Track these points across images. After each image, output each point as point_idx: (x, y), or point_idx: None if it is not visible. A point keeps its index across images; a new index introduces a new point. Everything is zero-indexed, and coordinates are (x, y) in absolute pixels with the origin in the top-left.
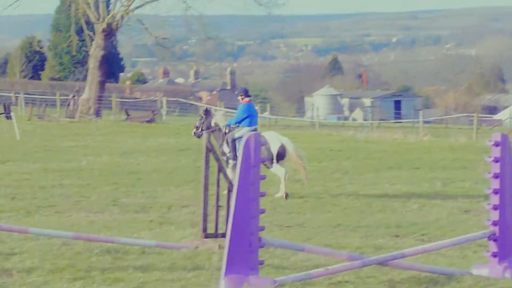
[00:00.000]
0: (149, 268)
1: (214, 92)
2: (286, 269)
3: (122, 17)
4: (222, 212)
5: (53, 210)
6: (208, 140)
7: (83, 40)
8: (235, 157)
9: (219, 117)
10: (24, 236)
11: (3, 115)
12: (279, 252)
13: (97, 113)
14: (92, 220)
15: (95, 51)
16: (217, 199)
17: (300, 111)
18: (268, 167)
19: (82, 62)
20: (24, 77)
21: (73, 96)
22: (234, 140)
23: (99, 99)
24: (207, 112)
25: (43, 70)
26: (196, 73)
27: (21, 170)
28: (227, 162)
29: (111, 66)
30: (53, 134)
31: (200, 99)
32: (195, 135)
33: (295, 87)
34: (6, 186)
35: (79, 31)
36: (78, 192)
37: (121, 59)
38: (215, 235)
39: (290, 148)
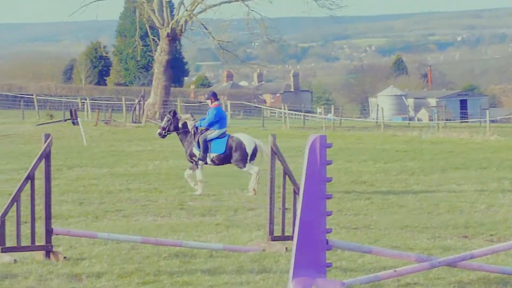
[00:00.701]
0: (217, 271)
1: (278, 95)
2: (354, 271)
3: (186, 21)
4: (289, 215)
5: (120, 214)
6: (274, 143)
7: (148, 45)
8: (205, 159)
9: (187, 119)
10: (93, 241)
11: (70, 121)
12: (347, 254)
13: (163, 118)
14: (159, 224)
15: (160, 56)
16: (283, 202)
17: (365, 112)
18: (240, 167)
19: (147, 67)
20: (90, 82)
21: (139, 101)
22: (206, 142)
23: (165, 103)
24: (175, 114)
25: (108, 75)
26: (260, 76)
27: (88, 175)
28: (196, 164)
29: (176, 70)
30: (119, 139)
31: (264, 101)
32: (159, 135)
33: (359, 88)
34: (74, 191)
35: (144, 36)
36: (145, 196)
37: (185, 63)
38: (282, 238)
39: (264, 148)
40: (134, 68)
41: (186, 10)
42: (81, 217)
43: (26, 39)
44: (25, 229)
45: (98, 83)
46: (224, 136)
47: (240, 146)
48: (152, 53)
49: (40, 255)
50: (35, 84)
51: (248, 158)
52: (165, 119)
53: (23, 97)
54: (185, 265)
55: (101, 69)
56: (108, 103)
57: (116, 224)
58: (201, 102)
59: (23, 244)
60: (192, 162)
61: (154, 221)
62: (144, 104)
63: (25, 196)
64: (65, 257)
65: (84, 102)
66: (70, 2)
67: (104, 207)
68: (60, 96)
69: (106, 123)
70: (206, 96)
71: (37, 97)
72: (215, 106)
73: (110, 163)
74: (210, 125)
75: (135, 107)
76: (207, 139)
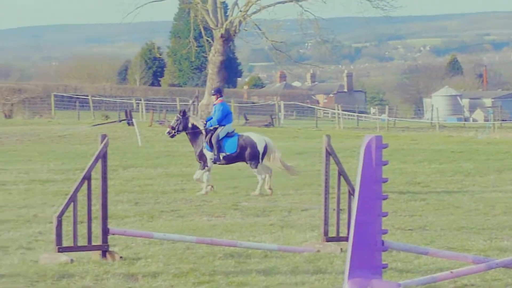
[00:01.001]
0: (272, 272)
1: (331, 95)
2: (410, 272)
3: (240, 22)
4: (343, 215)
5: (175, 214)
6: (328, 143)
7: (202, 46)
8: (219, 159)
9: (196, 119)
10: (149, 241)
11: (125, 121)
12: (402, 256)
13: None
14: (214, 224)
15: (214, 57)
16: (338, 202)
17: (419, 112)
18: (252, 167)
19: (201, 68)
20: (144, 83)
21: (193, 102)
22: (219, 141)
23: None
24: (184, 114)
25: (162, 76)
26: (313, 76)
27: (143, 175)
28: (204, 166)
29: (229, 71)
30: (174, 139)
31: (317, 102)
32: (169, 134)
33: (413, 88)
34: (129, 191)
35: (198, 37)
36: (200, 196)
37: (239, 64)
38: (337, 239)
39: (272, 146)
40: (188, 69)
41: (240, 11)
42: (137, 217)
43: (81, 41)
44: (82, 229)
45: (152, 84)
46: (234, 135)
47: (252, 145)
48: (206, 54)
49: (96, 255)
50: (91, 85)
51: (260, 156)
52: (175, 118)
53: (79, 98)
54: (240, 265)
55: (155, 70)
56: (162, 104)
57: (171, 224)
58: (254, 103)
59: (79, 244)
60: (200, 163)
61: (209, 221)
62: (198, 105)
63: (81, 196)
64: (121, 257)
65: (139, 103)
66: (125, 3)
67: (159, 207)
68: (115, 97)
69: (160, 123)
70: (212, 92)
71: (93, 98)
72: (220, 102)
73: (165, 163)
74: (220, 121)
75: (189, 108)
76: (219, 138)
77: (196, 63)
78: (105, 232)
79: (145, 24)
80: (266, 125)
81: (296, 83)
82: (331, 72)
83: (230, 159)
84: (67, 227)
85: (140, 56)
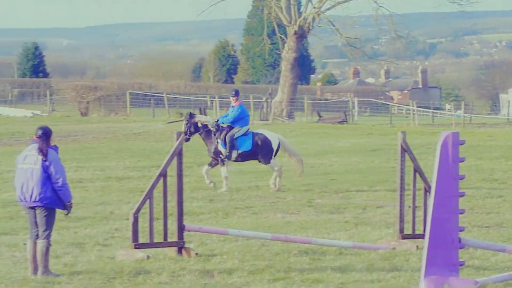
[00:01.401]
0: (347, 269)
1: (405, 91)
2: (487, 270)
3: (313, 19)
4: (419, 212)
5: (250, 211)
6: (404, 140)
7: (275, 43)
8: (231, 156)
9: (204, 118)
10: (224, 237)
11: None
12: (479, 253)
13: (290, 115)
14: (288, 221)
15: (287, 54)
16: (414, 199)
17: (495, 108)
18: (265, 163)
19: (274, 65)
20: (218, 81)
21: (266, 99)
22: (233, 140)
23: (292, 101)
24: (191, 116)
25: (236, 73)
26: (387, 73)
27: (218, 172)
28: (222, 162)
29: (302, 68)
30: None
31: (391, 98)
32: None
33: (489, 84)
34: (204, 188)
35: (271, 34)
36: (274, 193)
37: (312, 61)
38: (412, 236)
39: (286, 143)
40: (261, 66)
41: (314, 7)
42: (212, 214)
43: (156, 39)
44: (158, 226)
45: (226, 81)
46: (249, 133)
47: (266, 142)
48: (280, 51)
49: (172, 251)
50: (165, 82)
51: (274, 153)
52: (184, 123)
53: (154, 96)
54: (315, 262)
55: (229, 68)
56: None
57: (245, 221)
58: (327, 100)
59: (155, 240)
60: (216, 160)
61: (283, 218)
62: (271, 102)
63: (157, 193)
64: (196, 254)
65: (212, 100)
66: (199, 1)
67: (234, 204)
68: (189, 95)
69: None
70: (233, 92)
71: (167, 95)
72: (239, 104)
73: None
74: (234, 122)
75: (263, 105)
76: (234, 137)
77: (269, 60)
78: (181, 228)
79: (219, 22)
80: (340, 122)
81: (370, 80)
82: (405, 68)
83: (244, 157)
84: (143, 224)
85: (214, 53)
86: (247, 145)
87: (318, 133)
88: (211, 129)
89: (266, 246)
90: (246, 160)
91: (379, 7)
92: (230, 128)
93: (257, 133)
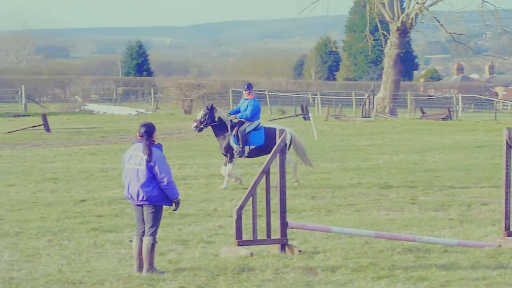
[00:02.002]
0: (452, 267)
1: (510, 87)
2: None
3: (416, 15)
4: None
5: (352, 208)
6: (509, 136)
7: (377, 40)
8: (243, 152)
9: (222, 113)
10: (327, 235)
11: (301, 116)
12: None
13: (393, 112)
14: (391, 218)
15: (390, 50)
16: None
17: None
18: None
19: (376, 62)
20: (320, 78)
21: (369, 96)
22: (245, 134)
23: (394, 97)
24: (212, 108)
25: (337, 70)
26: (491, 68)
27: (320, 169)
28: (231, 159)
29: (405, 64)
30: (350, 133)
31: (496, 94)
32: (196, 129)
33: None
34: (306, 186)
35: (373, 31)
36: (376, 190)
37: (415, 57)
38: None
39: (298, 139)
40: (363, 62)
41: (417, 3)
42: (314, 211)
43: (258, 36)
44: (260, 223)
45: (328, 78)
46: (260, 128)
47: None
48: (382, 48)
49: (275, 248)
50: (267, 80)
51: (287, 148)
52: (202, 112)
53: (256, 93)
54: (419, 260)
55: (330, 64)
56: (337, 98)
57: (348, 218)
58: (430, 96)
59: (259, 237)
60: (226, 156)
61: (386, 215)
62: (373, 98)
63: (259, 190)
64: (300, 251)
65: (314, 98)
66: None
67: (336, 201)
68: (291, 92)
69: (336, 117)
70: (245, 86)
71: (269, 93)
72: (253, 97)
73: (341, 158)
74: (252, 116)
75: (365, 102)
76: (246, 132)
77: (371, 56)
78: (284, 226)
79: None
80: (444, 118)
81: (474, 75)
82: (510, 64)
83: (256, 152)
84: (246, 221)
85: (316, 50)
86: (259, 140)
87: (421, 130)
88: (226, 123)
89: (369, 243)
90: (259, 156)
91: (484, 2)
92: (242, 123)
93: (269, 128)
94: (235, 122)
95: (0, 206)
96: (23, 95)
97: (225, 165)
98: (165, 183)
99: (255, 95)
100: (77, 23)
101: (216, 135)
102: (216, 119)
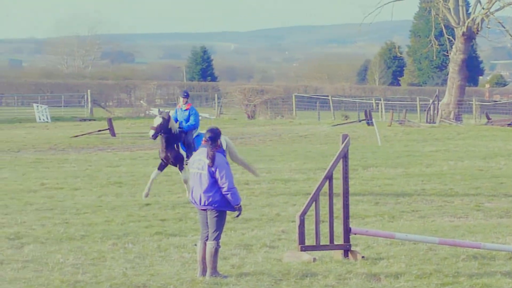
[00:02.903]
0: None
1: None
2: None
3: (482, 20)
4: None
5: (416, 215)
6: None
7: (442, 45)
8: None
9: (172, 123)
10: (390, 241)
11: (365, 121)
12: None
13: (457, 117)
14: (456, 225)
15: (455, 55)
16: None
17: None
18: None
19: (441, 67)
20: (383, 83)
21: (433, 101)
22: (193, 141)
23: (459, 103)
24: (169, 118)
25: (402, 75)
26: None
27: (383, 175)
28: (182, 166)
29: (471, 69)
30: (414, 139)
31: None
32: (153, 136)
33: None
34: (369, 191)
35: (438, 36)
36: (441, 196)
37: (480, 62)
38: None
39: (233, 148)
40: (428, 68)
41: (483, 8)
42: (377, 217)
43: (322, 41)
44: (323, 228)
45: (392, 84)
46: (200, 135)
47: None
48: (447, 53)
49: (338, 254)
50: (330, 85)
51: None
52: (160, 120)
53: (319, 98)
54: (484, 267)
55: (394, 70)
56: (401, 104)
57: (412, 225)
58: (496, 102)
59: (322, 243)
60: (167, 164)
61: (451, 222)
62: (438, 104)
63: (322, 196)
64: (363, 257)
65: (378, 103)
66: (366, 3)
67: (400, 207)
68: (354, 97)
69: (400, 123)
70: (184, 94)
71: (332, 98)
72: (190, 106)
73: (405, 164)
74: (198, 124)
75: (430, 107)
76: (193, 138)
77: (436, 62)
78: (347, 231)
79: (385, 24)
80: (509, 124)
81: None
82: None
83: None
84: (308, 226)
85: (380, 55)
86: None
87: (486, 136)
88: (176, 132)
89: (433, 250)
90: None
91: None
92: (185, 131)
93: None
94: (179, 131)
95: (66, 210)
96: (89, 100)
97: (159, 170)
98: (226, 188)
99: (191, 103)
100: (142, 28)
101: (167, 144)
102: (169, 127)
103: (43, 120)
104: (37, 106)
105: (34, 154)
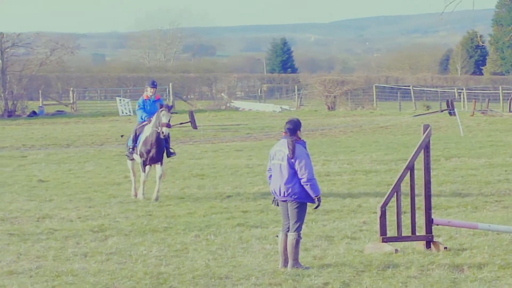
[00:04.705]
0: None
1: None
2: None
3: None
4: None
5: (500, 205)
6: None
7: None
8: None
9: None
10: (473, 231)
11: (447, 111)
12: None
13: None
14: None
15: None
16: None
17: None
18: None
19: None
20: (466, 72)
21: None
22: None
23: None
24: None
25: (484, 65)
26: None
27: (466, 165)
28: (162, 162)
29: None
30: (497, 129)
31: None
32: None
33: None
34: (452, 182)
35: None
36: None
37: None
38: None
39: None
40: (511, 56)
41: None
42: (460, 208)
43: (404, 31)
44: (405, 219)
45: (474, 73)
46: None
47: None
48: None
49: (420, 245)
50: (412, 75)
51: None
52: (170, 116)
53: (400, 89)
54: None
55: (477, 59)
56: (484, 93)
57: (495, 215)
58: None
59: (403, 234)
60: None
61: None
62: None
63: (404, 186)
64: (445, 248)
65: (460, 93)
66: None
67: (483, 197)
68: (436, 87)
69: (483, 113)
70: (152, 84)
71: (414, 88)
72: (159, 97)
73: (488, 154)
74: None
75: None
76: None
77: None
78: (429, 222)
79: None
80: None
81: None
82: None
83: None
84: (390, 217)
85: (462, 45)
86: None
87: None
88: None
89: None
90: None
91: None
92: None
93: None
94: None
95: (149, 202)
96: (171, 93)
97: (144, 172)
98: (305, 179)
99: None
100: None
101: (157, 141)
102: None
103: (126, 113)
104: (120, 99)
105: (118, 147)
